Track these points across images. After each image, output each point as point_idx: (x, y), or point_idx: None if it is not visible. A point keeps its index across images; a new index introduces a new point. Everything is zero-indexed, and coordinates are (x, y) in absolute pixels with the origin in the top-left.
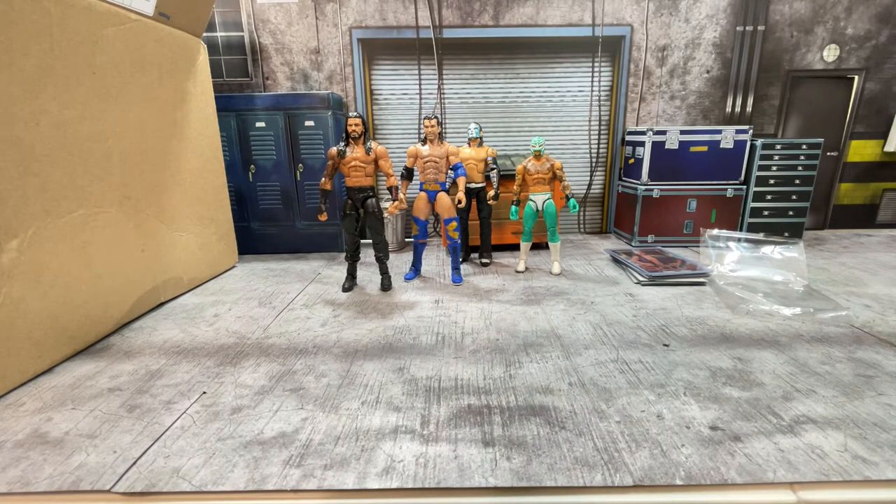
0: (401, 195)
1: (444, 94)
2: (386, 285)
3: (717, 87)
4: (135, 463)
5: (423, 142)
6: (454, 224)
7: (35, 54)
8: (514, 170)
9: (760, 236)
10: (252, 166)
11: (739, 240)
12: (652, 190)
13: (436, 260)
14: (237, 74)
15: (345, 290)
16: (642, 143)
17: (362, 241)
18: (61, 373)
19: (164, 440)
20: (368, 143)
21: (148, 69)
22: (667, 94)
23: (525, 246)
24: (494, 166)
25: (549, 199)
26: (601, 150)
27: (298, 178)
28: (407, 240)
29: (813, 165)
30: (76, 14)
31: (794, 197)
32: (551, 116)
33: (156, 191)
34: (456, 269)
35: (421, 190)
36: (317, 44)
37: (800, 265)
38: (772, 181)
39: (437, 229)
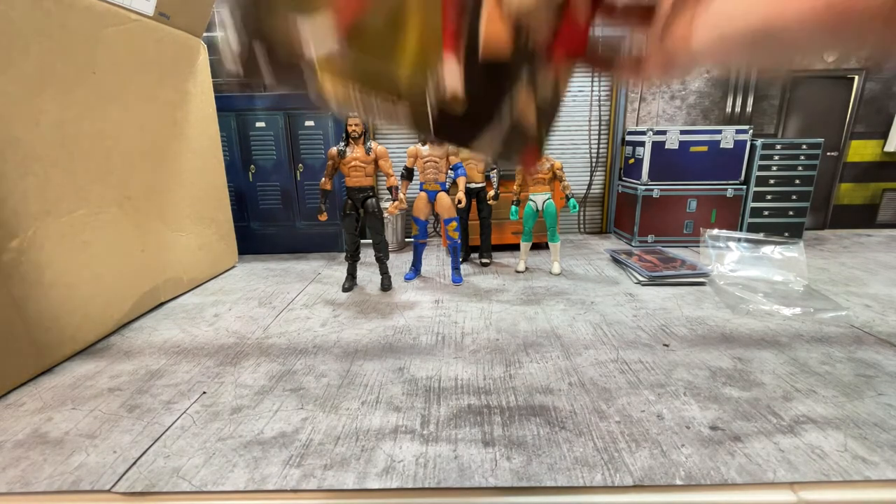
0: (401, 195)
1: None
2: (386, 285)
3: (717, 87)
4: (135, 463)
5: (423, 142)
6: (454, 224)
7: (35, 54)
8: (514, 170)
9: (760, 236)
10: (252, 166)
11: (739, 240)
12: (652, 190)
13: (436, 260)
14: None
15: (345, 290)
16: (642, 143)
17: (362, 241)
18: (61, 373)
19: (164, 440)
20: (368, 143)
21: (148, 69)
22: (667, 94)
23: (525, 246)
24: (494, 166)
25: (549, 199)
26: (601, 150)
27: (298, 178)
28: (407, 240)
29: (813, 165)
30: (76, 14)
31: (794, 197)
32: None
33: (156, 191)
34: (456, 269)
35: (421, 190)
36: None
37: (800, 265)
38: (772, 181)
39: (437, 229)
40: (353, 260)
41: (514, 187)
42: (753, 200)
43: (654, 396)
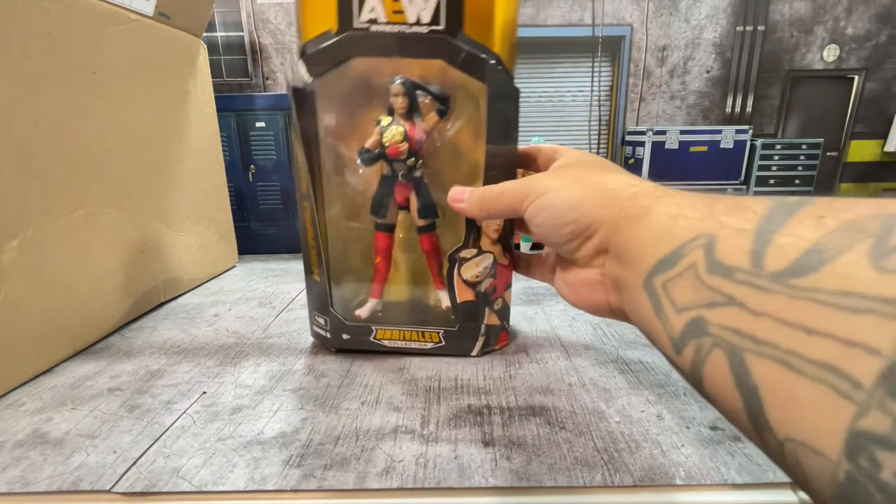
0: None
1: None
2: None
3: (717, 87)
4: (135, 463)
5: None
6: None
7: (35, 54)
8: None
9: None
10: (252, 166)
11: None
12: None
13: None
14: (237, 74)
15: None
16: (642, 143)
17: None
18: (61, 373)
19: (164, 440)
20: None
21: (148, 69)
22: (667, 94)
23: (525, 246)
24: None
25: None
26: (601, 150)
27: None
28: None
29: (813, 165)
30: (76, 14)
31: None
32: (551, 116)
33: (156, 191)
34: None
35: None
36: None
37: None
38: (772, 181)
39: None
40: None
41: None
42: None
43: (654, 396)
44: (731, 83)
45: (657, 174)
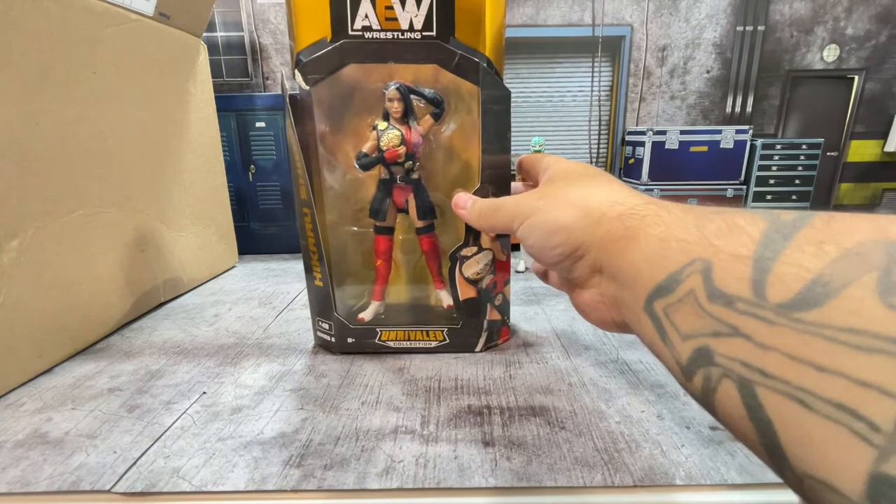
0: None
1: None
2: None
3: (717, 87)
4: (135, 463)
5: None
6: None
7: (35, 54)
8: (514, 169)
9: None
10: (252, 166)
11: None
12: (652, 190)
13: None
14: (237, 74)
15: None
16: (642, 143)
17: None
18: (61, 373)
19: (164, 440)
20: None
21: (148, 69)
22: (667, 94)
23: None
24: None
25: None
26: (601, 150)
27: None
28: None
29: (813, 165)
30: (76, 14)
31: (794, 197)
32: (551, 116)
33: (156, 191)
34: None
35: None
36: None
37: None
38: (772, 181)
39: None
40: None
41: None
42: (753, 200)
43: (654, 396)
44: (731, 83)
45: (657, 174)
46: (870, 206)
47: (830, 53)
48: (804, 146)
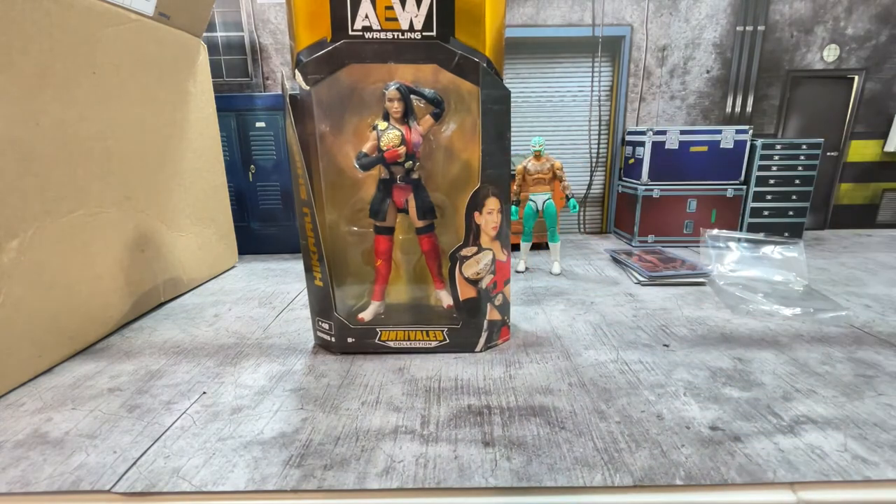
0: None
1: None
2: None
3: (717, 87)
4: (135, 463)
5: None
6: None
7: (35, 54)
8: (514, 170)
9: (760, 236)
10: (252, 166)
11: (739, 240)
12: (652, 190)
13: None
14: (237, 74)
15: None
16: (642, 143)
17: None
18: (61, 373)
19: (164, 440)
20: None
21: (148, 69)
22: (667, 94)
23: (525, 246)
24: None
25: (549, 199)
26: (601, 150)
27: None
28: None
29: (813, 165)
30: (76, 14)
31: (794, 197)
32: (551, 116)
33: (156, 191)
34: None
35: None
36: None
37: (800, 265)
38: (772, 181)
39: None
40: None
41: (514, 187)
42: (753, 200)
43: (654, 397)
44: (731, 83)
45: (657, 174)
46: (870, 206)
47: (830, 53)
48: (804, 146)
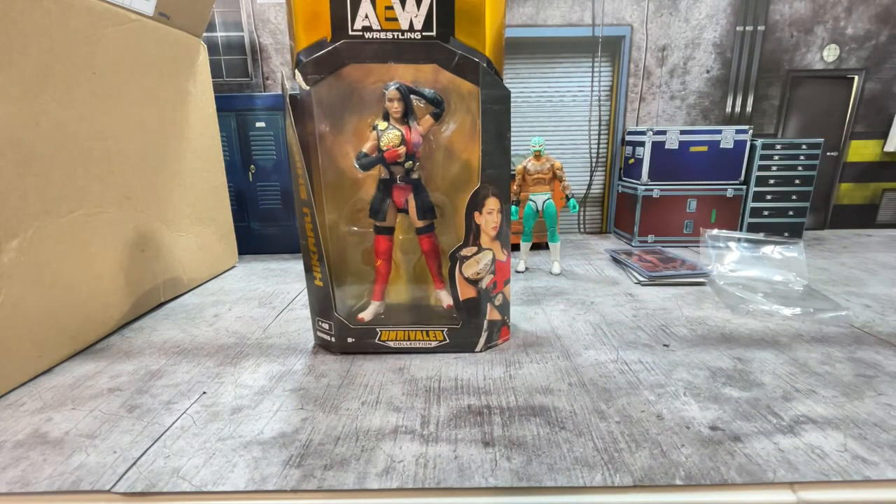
0: None
1: None
2: None
3: (717, 87)
4: (135, 463)
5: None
6: None
7: (35, 54)
8: (514, 170)
9: (760, 236)
10: (252, 166)
11: (739, 240)
12: (652, 190)
13: None
14: (237, 74)
15: None
16: (642, 143)
17: None
18: (61, 373)
19: (164, 440)
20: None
21: (148, 69)
22: (667, 94)
23: (525, 246)
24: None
25: (549, 199)
26: (601, 150)
27: None
28: None
29: (813, 165)
30: (76, 14)
31: (794, 197)
32: (551, 116)
33: (156, 191)
34: None
35: None
36: None
37: (800, 265)
38: (772, 181)
39: None
40: None
41: (514, 187)
42: (753, 200)
43: (654, 397)
44: (731, 83)
45: (657, 174)
46: (870, 206)
47: (830, 53)
48: (804, 146)
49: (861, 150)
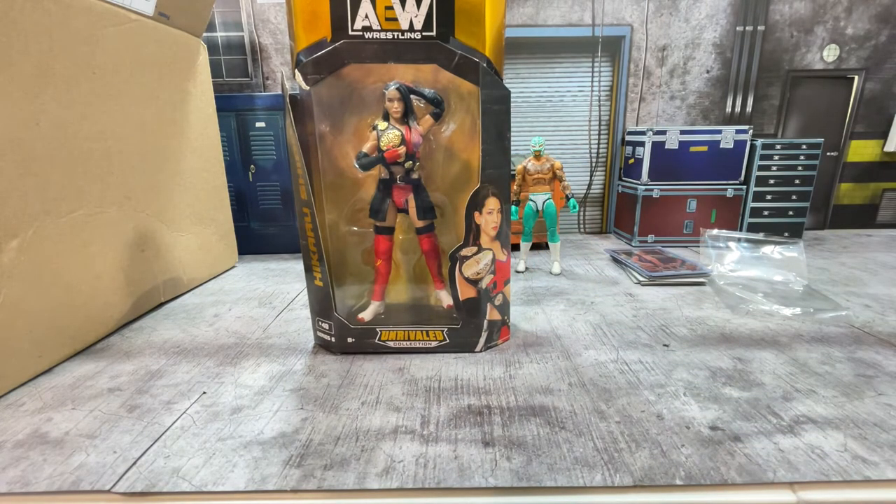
0: None
1: None
2: None
3: (717, 87)
4: (135, 463)
5: None
6: None
7: (35, 54)
8: (514, 170)
9: (760, 236)
10: (252, 166)
11: (739, 240)
12: (652, 190)
13: None
14: (237, 74)
15: None
16: (642, 143)
17: None
18: (61, 373)
19: (164, 440)
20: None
21: (148, 69)
22: (667, 94)
23: (525, 246)
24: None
25: (549, 199)
26: (601, 150)
27: None
28: None
29: (813, 165)
30: (76, 14)
31: (794, 197)
32: (551, 116)
33: (156, 191)
34: None
35: None
36: None
37: (800, 265)
38: (772, 181)
39: None
40: None
41: (514, 187)
42: (753, 200)
43: (654, 397)
44: (731, 83)
45: (657, 174)
46: (870, 206)
47: (830, 53)
48: (804, 146)
49: (861, 150)
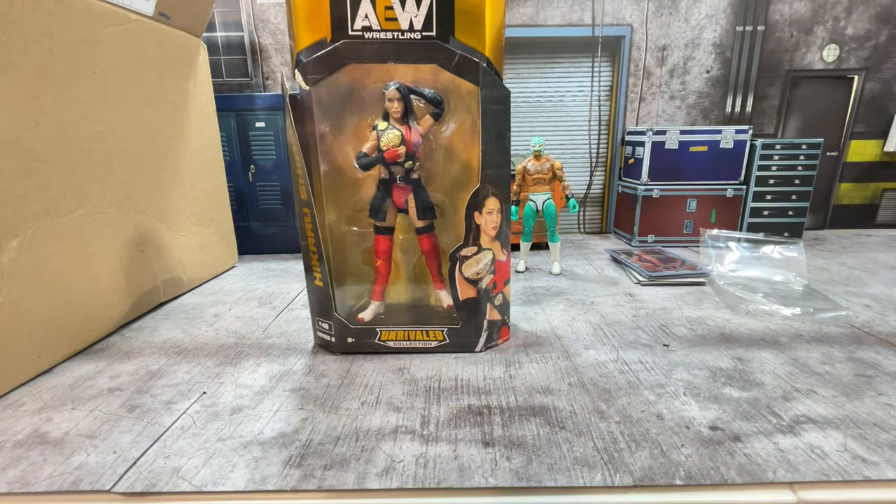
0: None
1: None
2: None
3: (717, 87)
4: (135, 463)
5: None
6: None
7: (35, 54)
8: (514, 170)
9: (760, 236)
10: (252, 166)
11: (739, 240)
12: (652, 190)
13: None
14: (237, 74)
15: None
16: (642, 143)
17: None
18: (61, 373)
19: (164, 440)
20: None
21: (148, 69)
22: (667, 94)
23: (525, 246)
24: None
25: (549, 199)
26: (601, 150)
27: None
28: None
29: (813, 165)
30: (76, 14)
31: (793, 197)
32: (551, 116)
33: (156, 191)
34: None
35: None
36: None
37: (800, 265)
38: (772, 181)
39: None
40: None
41: (514, 187)
42: (753, 200)
43: (654, 397)
44: (731, 83)
45: (657, 174)
46: (870, 206)
47: (830, 53)
48: (804, 146)
49: (861, 150)
